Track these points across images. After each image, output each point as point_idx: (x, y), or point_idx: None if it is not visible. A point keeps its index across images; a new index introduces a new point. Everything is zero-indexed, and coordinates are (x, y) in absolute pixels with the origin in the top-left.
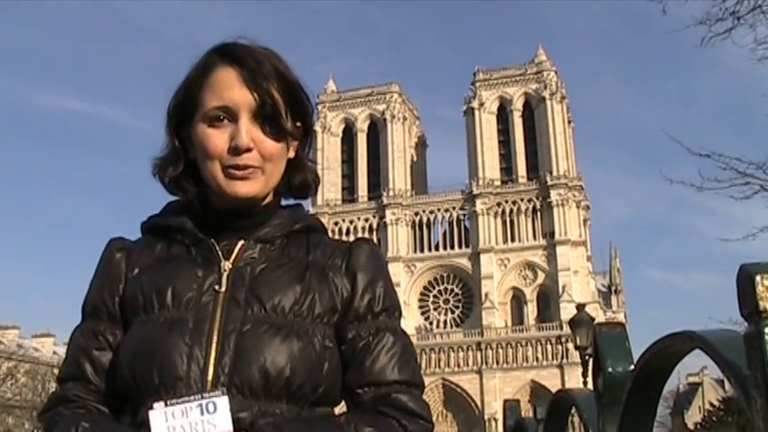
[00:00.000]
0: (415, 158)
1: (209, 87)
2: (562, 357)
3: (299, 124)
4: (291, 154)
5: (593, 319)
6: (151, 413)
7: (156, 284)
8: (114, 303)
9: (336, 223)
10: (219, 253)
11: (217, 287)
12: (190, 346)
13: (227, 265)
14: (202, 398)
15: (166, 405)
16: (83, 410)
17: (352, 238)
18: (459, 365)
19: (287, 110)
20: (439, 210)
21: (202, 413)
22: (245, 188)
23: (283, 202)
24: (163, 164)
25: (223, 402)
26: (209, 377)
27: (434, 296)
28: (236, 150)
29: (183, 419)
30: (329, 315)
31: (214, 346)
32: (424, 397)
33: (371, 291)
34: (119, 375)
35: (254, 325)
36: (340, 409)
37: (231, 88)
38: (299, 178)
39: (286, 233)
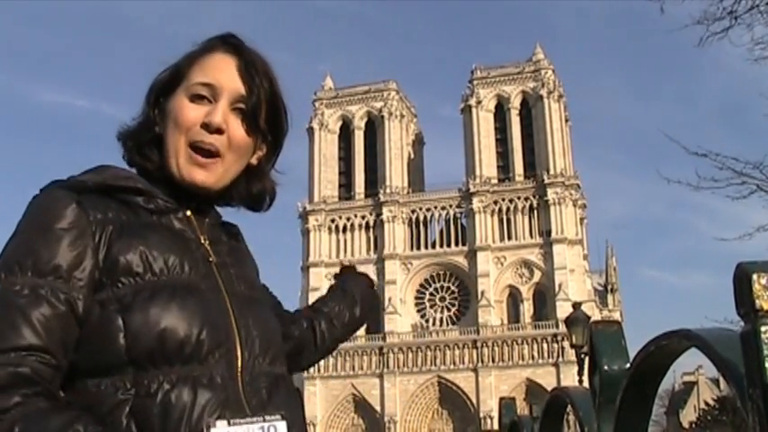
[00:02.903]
0: (412, 156)
1: (200, 65)
2: (558, 356)
3: (270, 138)
4: (254, 161)
5: (589, 318)
6: (213, 431)
7: (162, 251)
8: (95, 267)
9: (333, 220)
10: (197, 227)
11: (210, 259)
12: (218, 313)
13: (203, 237)
14: (264, 420)
15: (229, 424)
16: (46, 401)
17: (349, 235)
18: (454, 363)
19: (265, 115)
20: (436, 207)
21: None
22: (200, 176)
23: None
24: (133, 130)
25: (282, 427)
26: (237, 341)
27: (431, 294)
28: (207, 127)
29: None
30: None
31: (231, 312)
32: (420, 395)
33: None
34: (136, 343)
35: (244, 294)
36: None
37: (222, 71)
38: (258, 186)
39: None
